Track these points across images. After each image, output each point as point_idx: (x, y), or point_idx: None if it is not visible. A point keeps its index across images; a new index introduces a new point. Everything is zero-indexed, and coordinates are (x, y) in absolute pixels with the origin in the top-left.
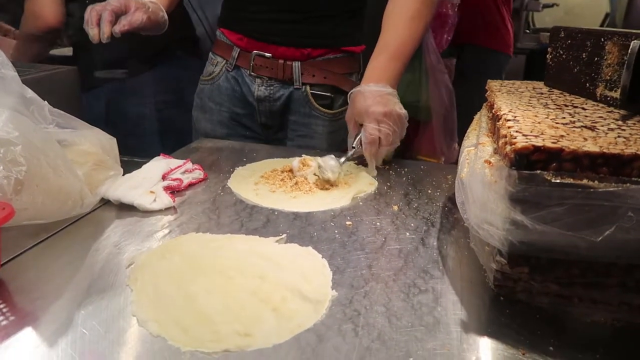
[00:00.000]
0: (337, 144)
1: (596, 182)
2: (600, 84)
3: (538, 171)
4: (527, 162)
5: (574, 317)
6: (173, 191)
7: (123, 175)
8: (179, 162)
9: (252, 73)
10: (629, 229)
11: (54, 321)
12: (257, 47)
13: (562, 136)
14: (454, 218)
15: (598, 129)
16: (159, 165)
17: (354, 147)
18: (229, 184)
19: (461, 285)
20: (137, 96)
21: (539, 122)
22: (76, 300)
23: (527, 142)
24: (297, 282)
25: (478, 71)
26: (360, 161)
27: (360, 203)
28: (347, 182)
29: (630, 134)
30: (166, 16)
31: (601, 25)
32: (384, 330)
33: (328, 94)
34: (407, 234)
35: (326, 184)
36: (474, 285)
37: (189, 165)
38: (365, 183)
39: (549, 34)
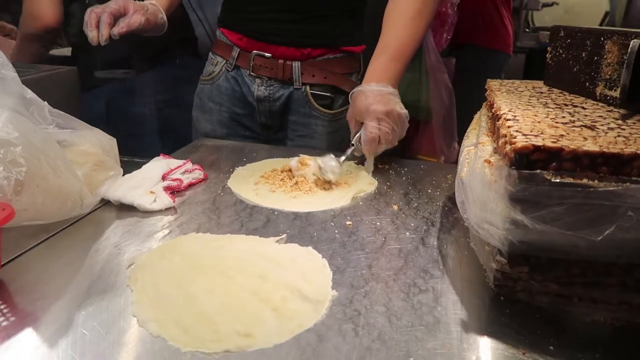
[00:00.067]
0: (337, 144)
1: (596, 181)
2: (600, 83)
3: (538, 171)
4: (527, 161)
5: (574, 317)
6: (173, 191)
7: (123, 175)
8: (179, 162)
9: (252, 73)
10: (629, 228)
11: (55, 322)
12: (257, 47)
13: (562, 135)
14: (454, 217)
15: (598, 128)
16: (159, 165)
17: (353, 145)
18: (229, 184)
19: (461, 284)
20: (137, 96)
21: (538, 122)
22: (76, 301)
23: (527, 141)
24: (297, 282)
25: (478, 70)
26: (361, 161)
27: (360, 203)
28: (347, 182)
29: (630, 133)
30: (165, 18)
31: (601, 24)
32: (384, 330)
33: (328, 94)
34: (407, 233)
35: (326, 184)
36: (474, 285)
37: (189, 165)
38: (365, 183)
39: (548, 33)
